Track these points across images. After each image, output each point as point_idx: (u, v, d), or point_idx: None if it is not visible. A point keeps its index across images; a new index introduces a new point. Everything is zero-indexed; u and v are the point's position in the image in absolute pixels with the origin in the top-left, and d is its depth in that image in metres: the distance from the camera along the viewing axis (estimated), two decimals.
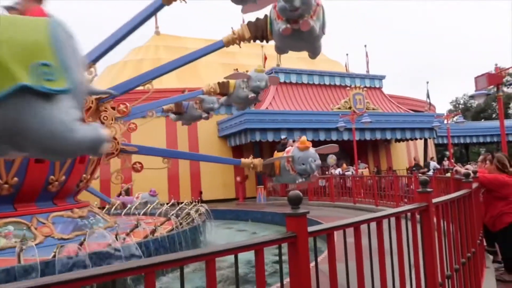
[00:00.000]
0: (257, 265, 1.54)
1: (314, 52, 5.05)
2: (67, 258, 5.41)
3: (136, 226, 6.60)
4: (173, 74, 11.01)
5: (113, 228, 7.50)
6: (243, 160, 6.94)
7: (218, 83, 7.98)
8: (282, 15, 4.45)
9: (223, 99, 8.18)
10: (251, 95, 7.53)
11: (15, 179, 6.29)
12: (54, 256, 5.38)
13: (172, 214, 8.13)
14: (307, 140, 6.28)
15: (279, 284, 1.71)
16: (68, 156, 2.51)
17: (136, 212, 10.15)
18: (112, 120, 7.47)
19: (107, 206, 10.85)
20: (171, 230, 7.23)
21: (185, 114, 8.06)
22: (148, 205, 8.97)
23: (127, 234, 6.43)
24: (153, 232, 6.82)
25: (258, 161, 6.93)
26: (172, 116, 8.28)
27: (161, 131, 18.99)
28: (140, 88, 7.51)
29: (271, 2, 4.32)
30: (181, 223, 7.96)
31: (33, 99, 2.14)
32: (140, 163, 7.47)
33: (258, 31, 5.33)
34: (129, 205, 10.88)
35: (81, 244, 5.80)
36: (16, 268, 4.73)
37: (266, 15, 5.14)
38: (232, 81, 7.74)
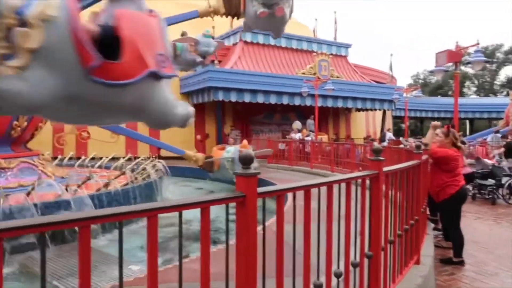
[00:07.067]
0: (202, 223, 1.51)
1: (278, 34, 5.53)
2: (13, 207, 5.23)
3: (88, 178, 6.43)
4: None
5: (64, 179, 7.29)
6: (187, 151, 7.09)
7: None
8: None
9: None
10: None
11: None
12: None
13: (128, 168, 7.97)
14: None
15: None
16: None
17: (90, 165, 9.88)
18: None
19: (59, 157, 10.46)
20: (126, 185, 7.11)
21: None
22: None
23: (79, 186, 6.26)
24: (106, 185, 6.68)
25: (200, 156, 7.16)
26: None
27: None
28: None
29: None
30: (136, 178, 7.83)
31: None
32: (88, 132, 7.32)
33: (232, 9, 5.66)
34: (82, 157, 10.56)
35: (28, 193, 5.60)
36: None
37: None
38: (179, 44, 7.63)
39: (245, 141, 6.79)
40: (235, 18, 5.85)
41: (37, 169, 7.10)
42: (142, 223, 6.48)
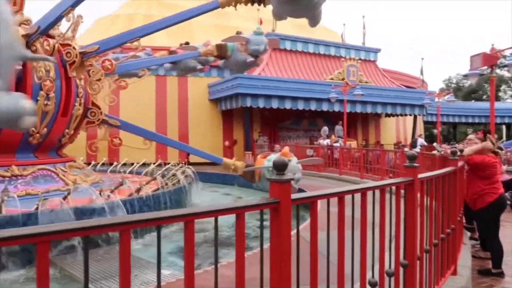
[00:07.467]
0: (237, 229, 1.52)
1: (313, 19, 4.82)
2: (50, 211, 5.40)
3: (121, 184, 6.57)
4: (164, 32, 10.64)
5: (97, 184, 7.48)
6: (225, 159, 6.92)
7: (216, 45, 7.69)
8: None
9: (221, 62, 7.88)
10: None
11: None
12: (37, 208, 5.36)
13: (158, 174, 8.11)
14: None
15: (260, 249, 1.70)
16: None
17: (122, 171, 10.13)
18: (101, 76, 7.23)
19: (92, 162, 10.79)
20: (157, 190, 7.23)
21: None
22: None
23: (112, 191, 6.41)
24: (138, 190, 6.81)
25: (240, 164, 6.96)
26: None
27: (151, 91, 18.65)
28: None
29: None
30: (166, 184, 7.95)
31: None
32: (120, 139, 7.40)
33: None
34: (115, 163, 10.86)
35: (64, 198, 5.78)
36: None
37: None
38: (230, 44, 7.45)
39: (286, 148, 6.54)
40: (262, 5, 5.32)
41: (57, 177, 7.13)
42: (172, 227, 6.57)
